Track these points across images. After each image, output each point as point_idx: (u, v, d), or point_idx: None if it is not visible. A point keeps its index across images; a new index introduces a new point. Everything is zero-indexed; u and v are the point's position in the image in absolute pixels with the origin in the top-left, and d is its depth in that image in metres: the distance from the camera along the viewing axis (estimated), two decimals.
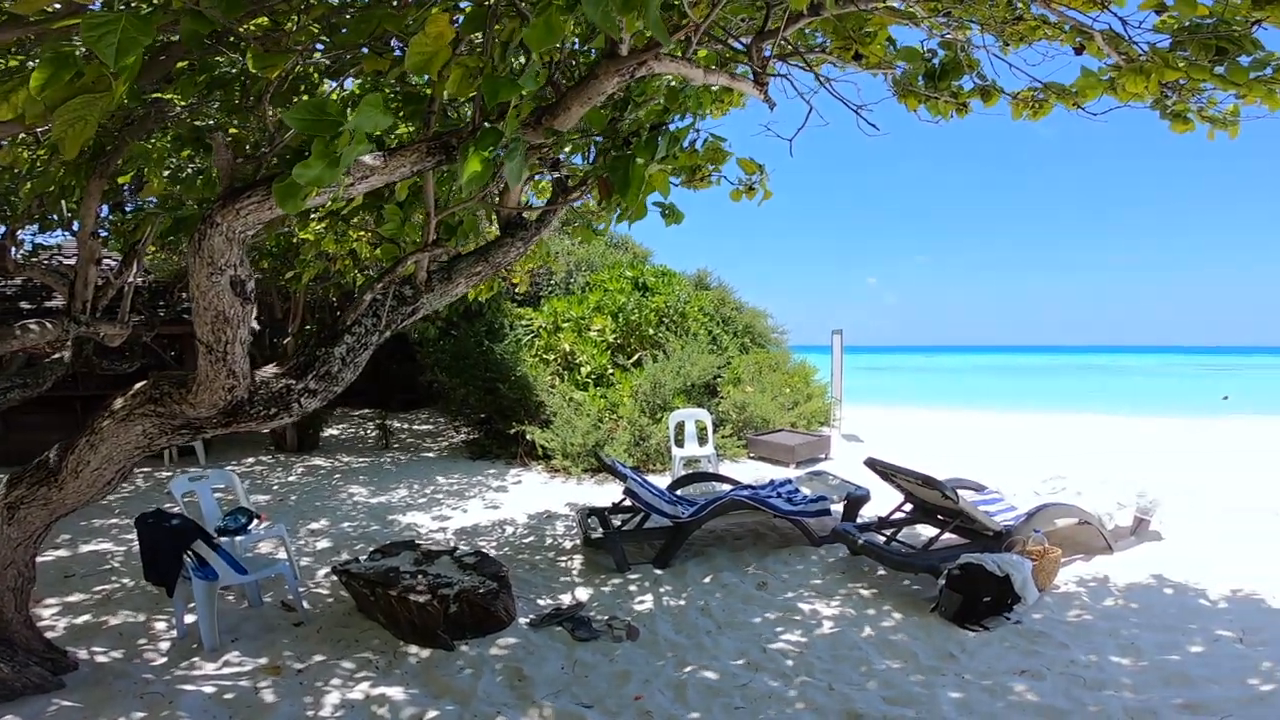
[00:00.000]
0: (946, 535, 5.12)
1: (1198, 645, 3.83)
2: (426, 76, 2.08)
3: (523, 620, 4.24)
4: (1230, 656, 3.68)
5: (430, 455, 9.77)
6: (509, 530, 6.27)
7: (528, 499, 7.35)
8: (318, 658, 3.83)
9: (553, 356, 9.35)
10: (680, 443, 7.98)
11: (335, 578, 4.67)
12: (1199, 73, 3.18)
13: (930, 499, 4.98)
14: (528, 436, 8.49)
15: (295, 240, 4.28)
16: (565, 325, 9.77)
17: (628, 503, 5.63)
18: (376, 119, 1.56)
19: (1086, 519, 5.02)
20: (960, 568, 4.25)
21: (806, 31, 3.68)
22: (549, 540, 5.95)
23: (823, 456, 9.12)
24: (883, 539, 5.21)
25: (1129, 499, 5.30)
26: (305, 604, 4.46)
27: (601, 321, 9.62)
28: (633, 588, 4.82)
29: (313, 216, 3.96)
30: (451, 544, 5.36)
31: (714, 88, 3.54)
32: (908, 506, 5.39)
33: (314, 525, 6.52)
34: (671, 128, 2.88)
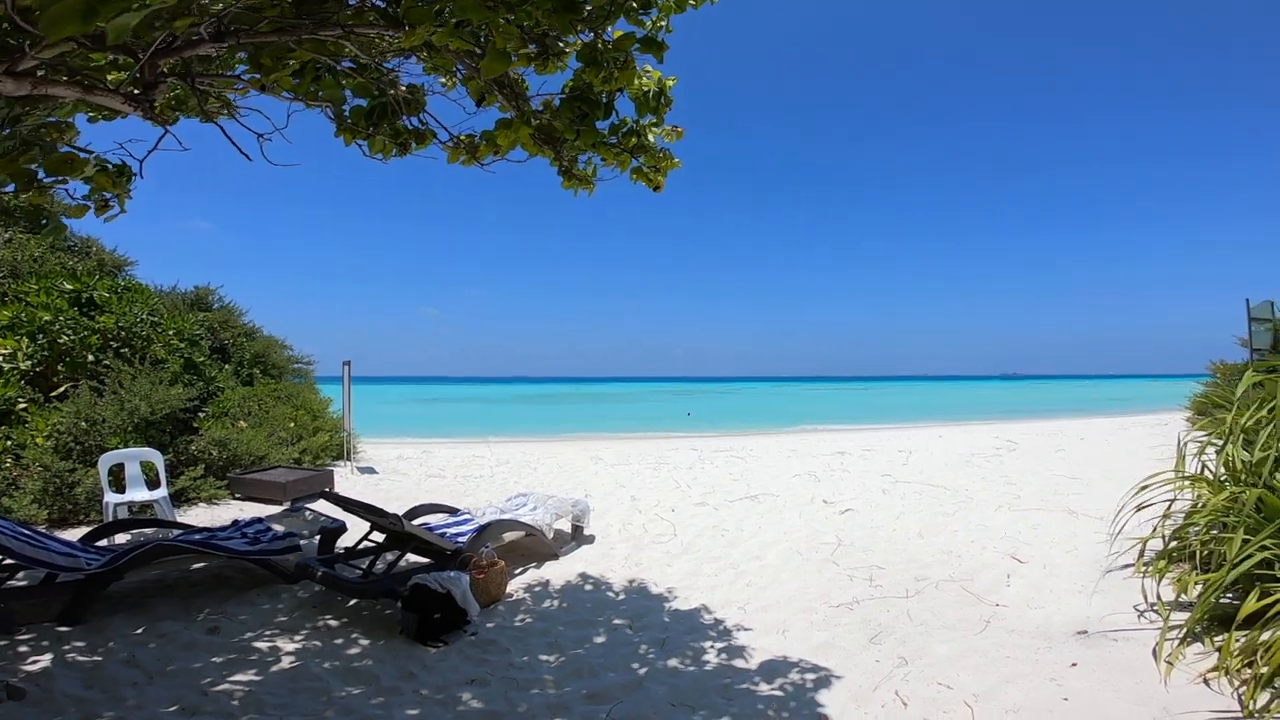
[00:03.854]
0: (414, 557, 5.23)
1: (602, 636, 4.29)
2: None
3: None
4: (623, 644, 4.18)
5: None
6: None
7: None
8: None
9: None
10: (120, 488, 6.46)
11: None
12: (569, 132, 3.76)
13: (386, 525, 5.04)
14: None
15: None
16: None
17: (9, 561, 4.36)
18: None
19: (530, 530, 5.72)
20: (410, 589, 4.34)
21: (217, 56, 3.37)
22: None
23: (326, 491, 8.55)
24: (360, 570, 5.05)
25: (566, 509, 6.25)
26: None
27: (11, 344, 7.21)
28: (23, 649, 3.96)
29: None
30: None
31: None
32: (376, 535, 5.37)
33: None
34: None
